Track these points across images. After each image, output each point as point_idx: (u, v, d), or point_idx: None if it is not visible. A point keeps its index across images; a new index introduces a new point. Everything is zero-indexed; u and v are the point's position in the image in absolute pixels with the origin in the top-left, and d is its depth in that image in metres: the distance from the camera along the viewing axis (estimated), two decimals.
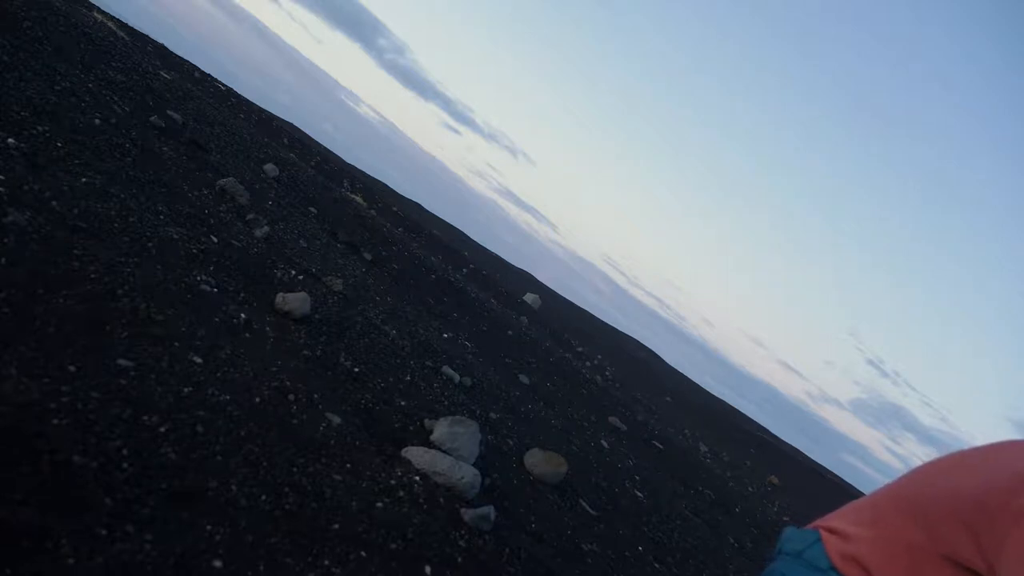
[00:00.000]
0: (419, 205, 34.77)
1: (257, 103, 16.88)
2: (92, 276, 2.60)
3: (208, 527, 1.81)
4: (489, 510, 2.83)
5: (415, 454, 2.91)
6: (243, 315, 3.11)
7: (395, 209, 15.13)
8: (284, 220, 5.35)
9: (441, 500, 2.74)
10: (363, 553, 2.13)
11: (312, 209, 6.78)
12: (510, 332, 8.10)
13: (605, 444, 6.20)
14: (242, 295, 3.38)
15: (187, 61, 14.03)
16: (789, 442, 47.77)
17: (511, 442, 4.06)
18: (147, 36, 13.30)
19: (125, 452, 1.88)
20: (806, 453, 47.68)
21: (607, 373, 15.79)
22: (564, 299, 43.84)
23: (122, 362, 2.25)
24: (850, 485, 42.30)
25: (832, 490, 33.05)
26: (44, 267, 2.47)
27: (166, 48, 13.40)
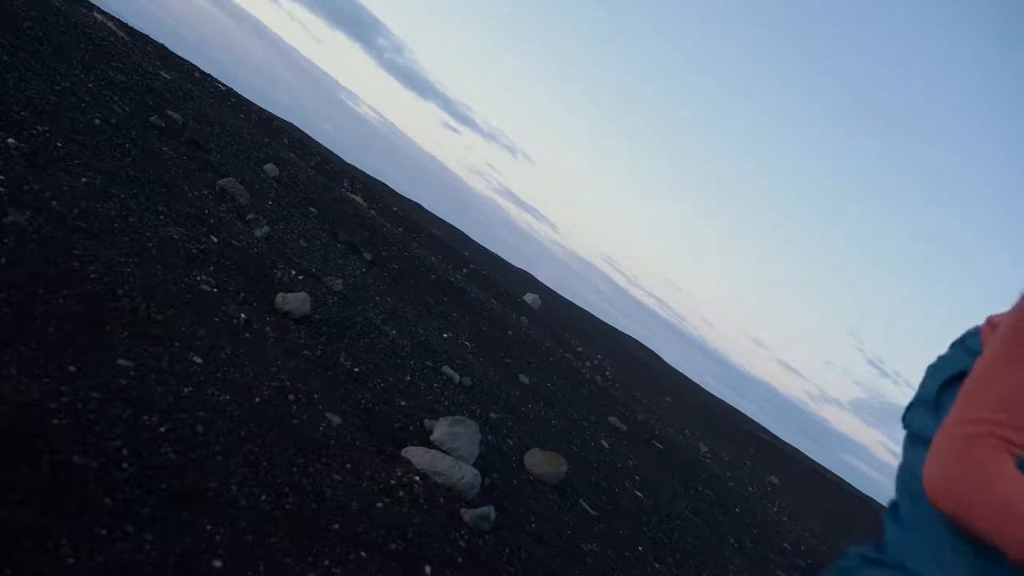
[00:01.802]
0: (419, 205, 34.75)
1: (257, 103, 16.87)
2: (92, 276, 2.60)
3: (208, 527, 1.81)
4: (489, 510, 2.83)
5: (415, 454, 2.91)
6: (243, 315, 3.11)
7: (395, 209, 15.13)
8: (284, 220, 5.35)
9: (441, 500, 2.73)
10: (363, 553, 2.13)
11: (312, 209, 6.78)
12: (510, 332, 8.10)
13: (605, 444, 6.20)
14: (242, 295, 3.38)
15: (187, 61, 14.03)
16: (789, 442, 47.71)
17: (511, 442, 4.06)
18: (147, 36, 13.29)
19: (125, 452, 1.88)
20: (806, 453, 47.60)
21: (607, 373, 15.78)
22: (564, 299, 43.82)
23: (122, 362, 2.25)
24: (850, 485, 42.23)
25: (832, 490, 33.01)
26: (44, 267, 2.47)
27: (166, 48, 13.39)
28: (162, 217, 3.59)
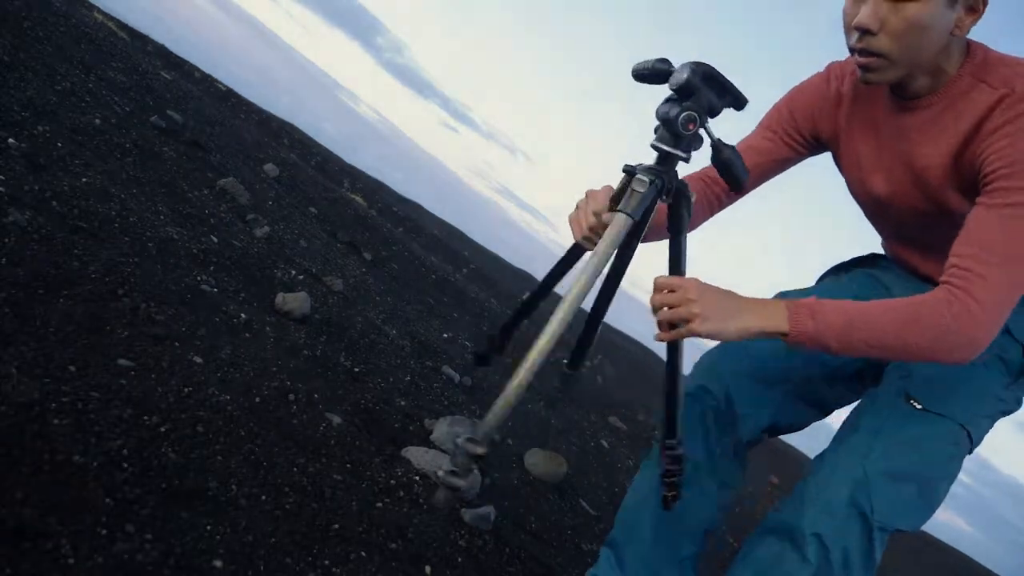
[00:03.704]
0: (419, 205, 34.69)
1: (257, 103, 16.87)
2: (92, 276, 2.60)
3: (208, 527, 1.82)
4: (489, 510, 2.83)
5: (415, 454, 2.91)
6: (243, 315, 3.11)
7: (395, 209, 15.12)
8: (284, 220, 5.35)
9: None
10: (363, 553, 2.13)
11: (312, 209, 6.78)
12: None
13: (605, 444, 6.19)
14: (242, 295, 3.38)
15: (187, 61, 14.01)
16: (789, 442, 47.63)
17: (511, 442, 4.06)
18: (147, 36, 13.28)
19: (125, 452, 1.88)
20: (806, 453, 47.55)
21: (607, 373, 15.77)
22: None
23: (122, 362, 2.25)
24: None
25: None
26: (44, 267, 2.47)
27: (166, 48, 13.38)
28: (162, 217, 3.59)
